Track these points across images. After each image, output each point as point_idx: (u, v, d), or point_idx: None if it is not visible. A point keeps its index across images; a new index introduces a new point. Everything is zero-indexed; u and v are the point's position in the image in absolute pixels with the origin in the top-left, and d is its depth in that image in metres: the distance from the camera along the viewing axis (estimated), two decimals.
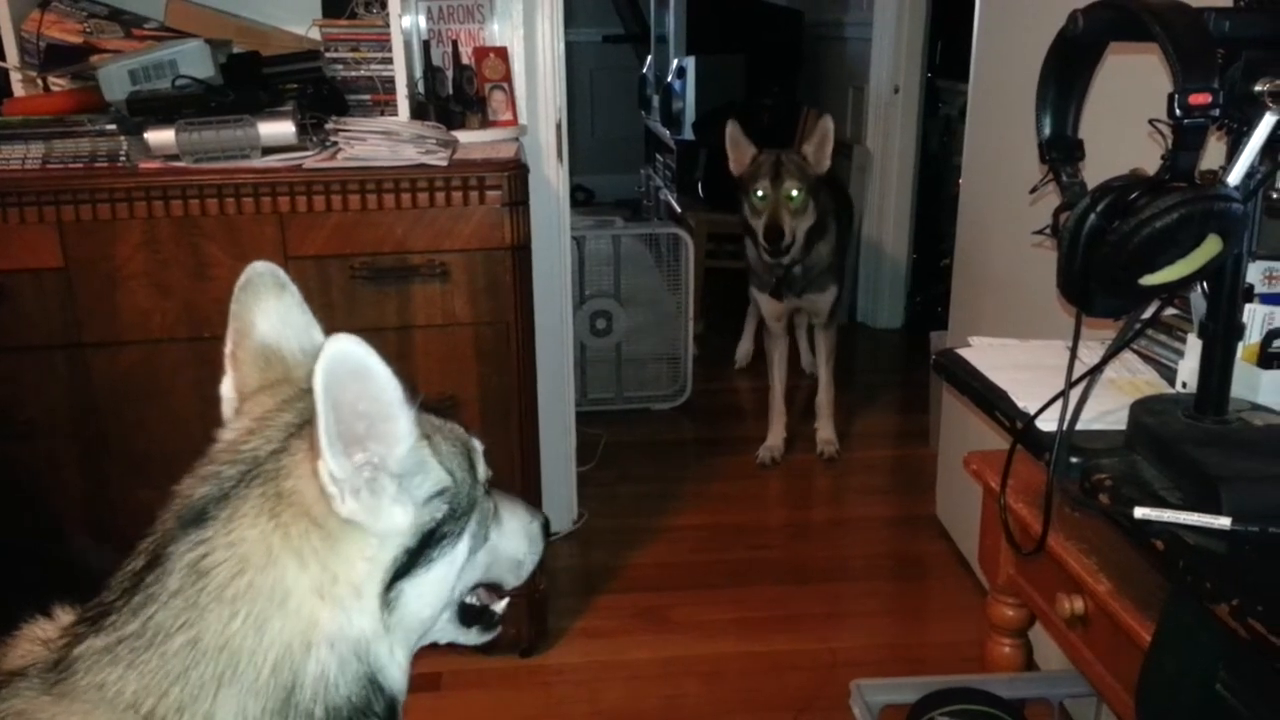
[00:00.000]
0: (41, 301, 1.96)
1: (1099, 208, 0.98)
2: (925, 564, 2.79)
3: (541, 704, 2.21)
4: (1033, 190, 1.20)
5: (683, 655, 2.36)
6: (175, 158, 1.98)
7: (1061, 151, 1.11)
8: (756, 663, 2.33)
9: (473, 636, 0.98)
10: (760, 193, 3.00)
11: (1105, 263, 0.97)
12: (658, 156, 5.77)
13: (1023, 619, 1.53)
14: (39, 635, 0.79)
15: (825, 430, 3.42)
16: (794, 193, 2.98)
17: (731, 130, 3.06)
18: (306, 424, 0.82)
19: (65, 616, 0.81)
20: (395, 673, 0.82)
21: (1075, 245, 0.99)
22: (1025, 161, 1.21)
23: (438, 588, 0.84)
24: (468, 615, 0.96)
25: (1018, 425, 1.21)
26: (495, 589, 0.99)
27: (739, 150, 3.07)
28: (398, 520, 0.79)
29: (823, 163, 3.00)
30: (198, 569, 0.76)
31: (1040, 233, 1.12)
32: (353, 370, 0.73)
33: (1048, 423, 1.14)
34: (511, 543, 0.96)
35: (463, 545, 0.85)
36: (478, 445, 0.92)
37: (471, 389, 2.09)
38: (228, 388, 0.89)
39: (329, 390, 0.71)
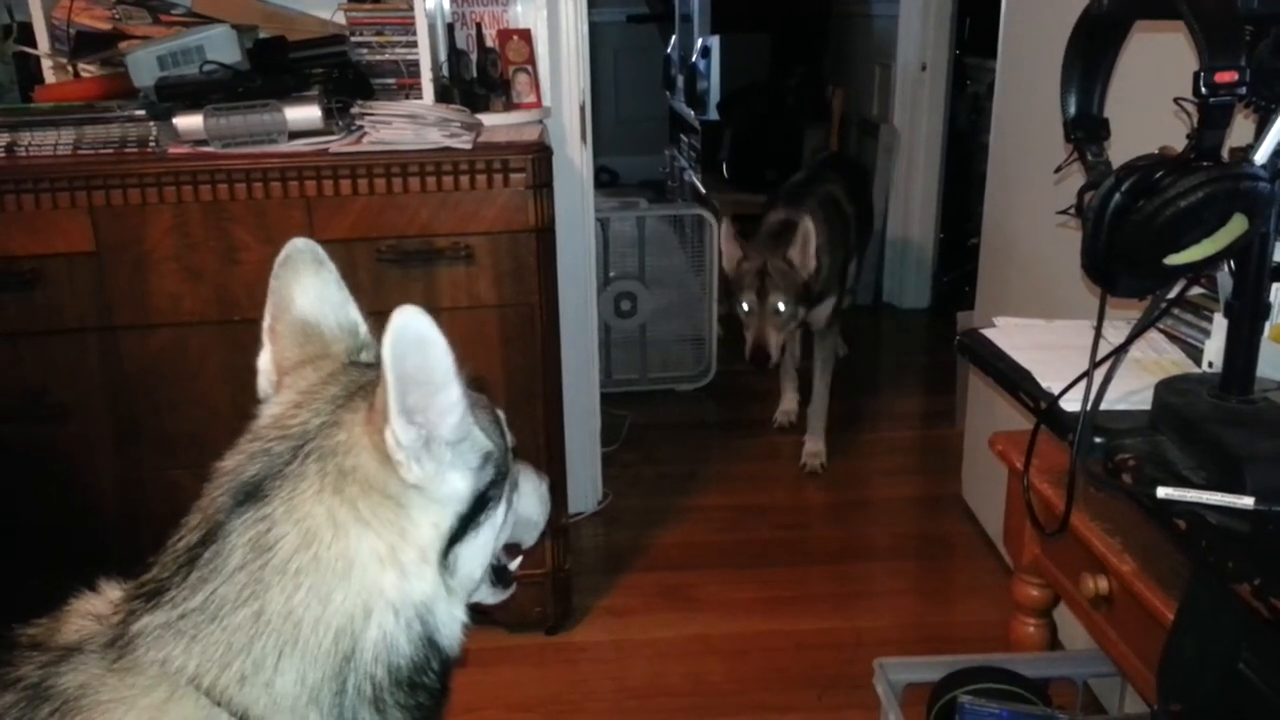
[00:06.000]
0: (74, 285, 1.99)
1: (1124, 187, 0.97)
2: (950, 544, 2.78)
3: (567, 680, 2.23)
4: (1057, 170, 1.19)
5: (707, 634, 2.37)
6: (204, 143, 2.00)
7: (1086, 130, 1.11)
8: (780, 641, 2.34)
9: (497, 594, 1.02)
10: (746, 306, 2.95)
11: (1130, 242, 0.97)
12: (682, 137, 5.76)
13: (1047, 599, 1.54)
14: (90, 610, 0.81)
15: (813, 443, 3.20)
16: (780, 306, 2.90)
17: (725, 228, 3.06)
18: (353, 396, 0.84)
19: (114, 592, 0.82)
20: (454, 630, 0.86)
21: (1100, 224, 0.99)
22: (1052, 140, 1.21)
23: (485, 549, 0.88)
24: (495, 574, 1.00)
25: (1041, 405, 1.21)
26: (511, 549, 1.03)
27: (729, 249, 3.03)
28: (458, 486, 0.82)
29: (808, 265, 2.90)
30: (260, 544, 0.78)
31: (1065, 212, 1.11)
32: (416, 341, 0.75)
33: (1071, 403, 1.14)
34: (529, 504, 1.00)
35: (502, 508, 0.89)
36: (501, 414, 0.95)
37: (497, 371, 2.11)
38: (265, 361, 0.91)
39: (397, 361, 0.73)
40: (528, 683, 2.22)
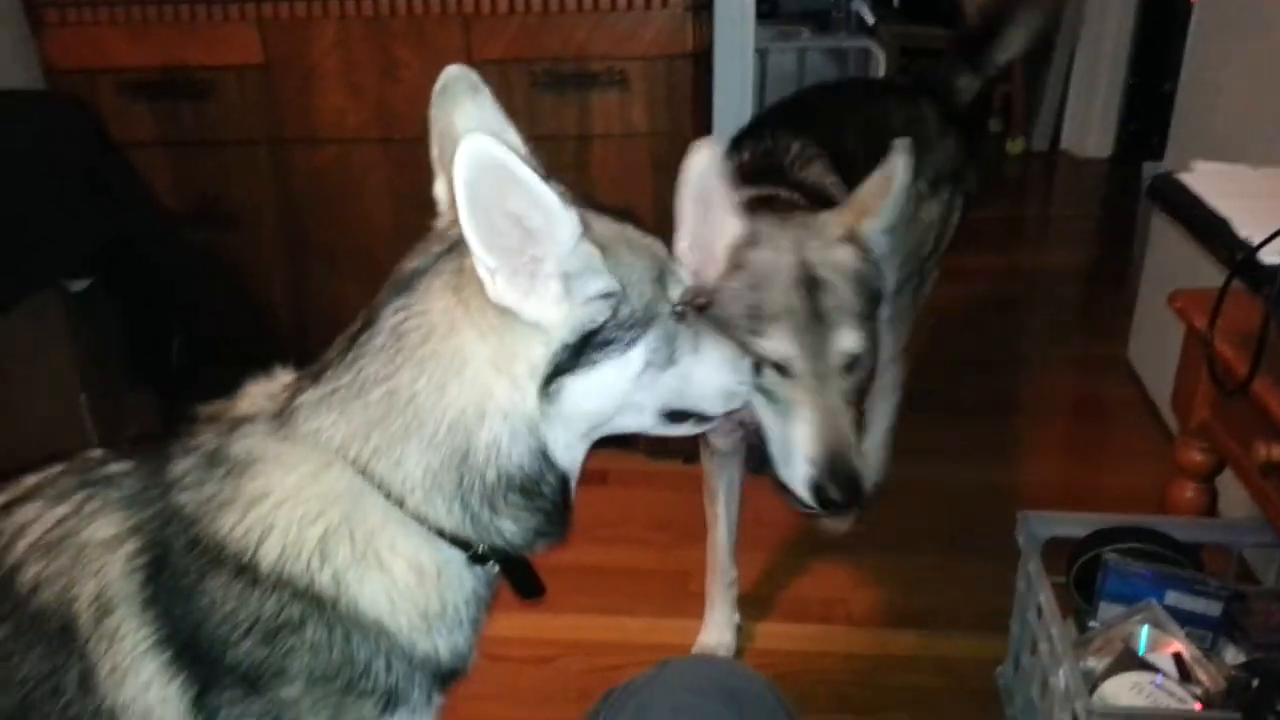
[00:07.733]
0: (245, 97, 2.05)
1: None
2: (1110, 406, 2.68)
3: (701, 506, 2.28)
4: None
5: None
6: None
7: None
8: (919, 488, 2.31)
9: (686, 428, 0.99)
10: (793, 355, 1.28)
11: None
12: None
13: (1211, 464, 1.47)
14: (263, 389, 0.90)
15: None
16: (854, 347, 1.31)
17: (702, 155, 1.26)
18: None
19: (284, 375, 0.91)
20: (569, 453, 0.89)
21: None
22: None
23: (606, 390, 0.87)
24: (676, 416, 0.97)
25: (1237, 256, 1.11)
26: (687, 415, 0.98)
27: (713, 222, 1.30)
28: (548, 313, 0.82)
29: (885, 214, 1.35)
30: (397, 331, 0.84)
31: None
32: (492, 168, 0.76)
33: (1272, 255, 1.04)
34: (711, 372, 0.96)
35: (635, 355, 0.87)
36: (676, 265, 0.93)
37: (648, 200, 2.08)
38: (441, 189, 0.94)
39: (470, 186, 0.75)
40: (664, 504, 2.29)
